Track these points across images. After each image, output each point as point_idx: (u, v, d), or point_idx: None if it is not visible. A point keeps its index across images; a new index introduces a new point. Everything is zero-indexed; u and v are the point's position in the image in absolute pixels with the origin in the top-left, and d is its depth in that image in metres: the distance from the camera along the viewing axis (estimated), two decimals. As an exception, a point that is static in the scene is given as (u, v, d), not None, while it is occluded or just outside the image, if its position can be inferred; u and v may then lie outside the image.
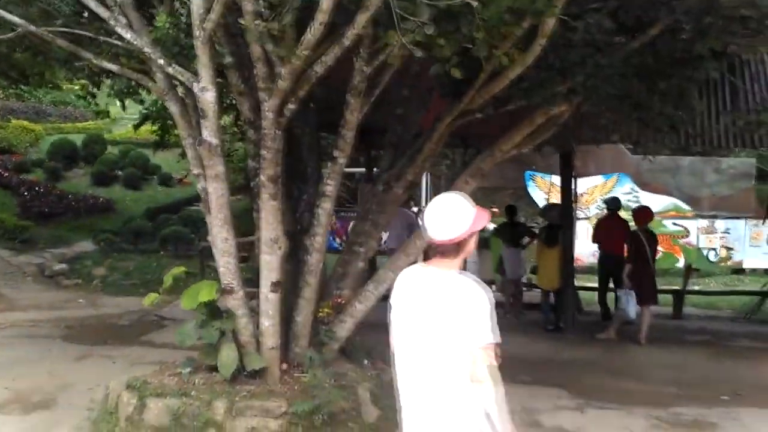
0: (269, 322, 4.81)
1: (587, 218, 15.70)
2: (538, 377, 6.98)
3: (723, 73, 5.29)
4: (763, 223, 10.68)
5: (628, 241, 8.72)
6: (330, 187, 4.99)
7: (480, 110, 5.25)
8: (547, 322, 9.30)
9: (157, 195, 18.76)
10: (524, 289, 10.66)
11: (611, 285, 9.56)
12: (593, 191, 16.21)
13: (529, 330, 9.27)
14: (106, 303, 10.51)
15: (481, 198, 18.82)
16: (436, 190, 16.53)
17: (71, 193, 16.66)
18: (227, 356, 4.76)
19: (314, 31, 3.94)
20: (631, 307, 8.39)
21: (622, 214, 16.08)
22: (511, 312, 10.23)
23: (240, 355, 4.85)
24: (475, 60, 4.35)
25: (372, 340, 7.56)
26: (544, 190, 15.72)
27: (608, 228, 9.61)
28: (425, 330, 2.55)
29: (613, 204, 10.03)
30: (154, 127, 11.14)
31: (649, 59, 4.60)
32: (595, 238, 9.94)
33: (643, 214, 9.05)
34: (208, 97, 4.49)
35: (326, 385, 4.85)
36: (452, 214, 2.54)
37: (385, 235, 11.27)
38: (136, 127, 12.35)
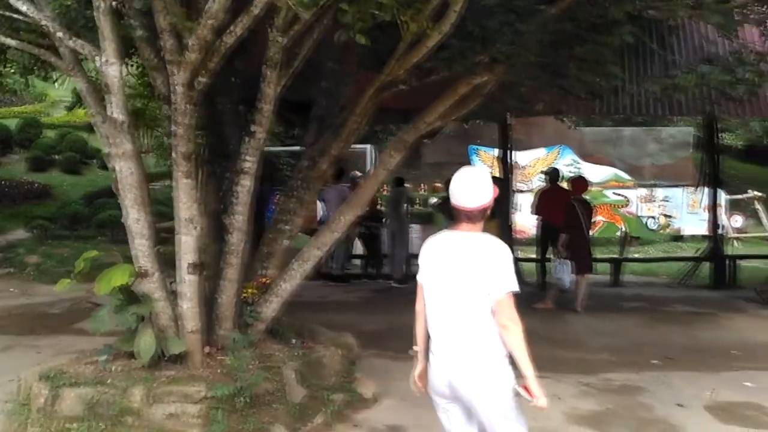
0: (188, 304, 4.66)
1: (530, 190, 15.84)
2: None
3: (641, 39, 5.28)
4: (695, 191, 10.83)
5: (564, 209, 8.78)
6: (249, 163, 4.83)
7: (403, 82, 5.15)
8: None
9: (97, 179, 18.17)
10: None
11: (551, 255, 9.66)
12: (536, 163, 16.34)
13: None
14: (38, 291, 10.14)
15: (429, 173, 18.87)
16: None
17: (5, 179, 16.03)
18: (145, 342, 4.60)
19: (217, -2, 3.76)
20: (567, 276, 8.46)
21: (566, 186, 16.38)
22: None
23: (160, 339, 4.69)
24: (395, 29, 4.24)
25: (302, 318, 7.52)
26: (488, 163, 15.76)
27: (548, 198, 9.67)
28: (462, 281, 3.00)
29: (554, 174, 10.07)
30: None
31: (567, 25, 4.55)
32: (536, 209, 9.99)
33: (578, 183, 9.11)
34: (111, 71, 4.28)
35: (250, 366, 4.75)
36: (480, 185, 3.02)
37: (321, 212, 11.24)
38: (69, 108, 11.94)
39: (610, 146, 18.73)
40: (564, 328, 7.91)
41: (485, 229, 8.88)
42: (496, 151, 16.83)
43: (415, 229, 12.63)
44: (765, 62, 6.15)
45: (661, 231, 15.95)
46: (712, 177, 10.41)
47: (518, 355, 2.99)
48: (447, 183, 10.14)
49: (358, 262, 12.40)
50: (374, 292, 10.40)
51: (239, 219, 4.88)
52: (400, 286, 10.73)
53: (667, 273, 11.60)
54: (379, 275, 11.44)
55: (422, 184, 16.67)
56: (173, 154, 4.52)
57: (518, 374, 3.04)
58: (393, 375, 6.04)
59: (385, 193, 12.93)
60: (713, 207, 10.51)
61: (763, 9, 6.09)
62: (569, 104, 6.05)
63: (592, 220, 9.03)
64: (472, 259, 3.00)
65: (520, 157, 16.60)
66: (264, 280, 5.21)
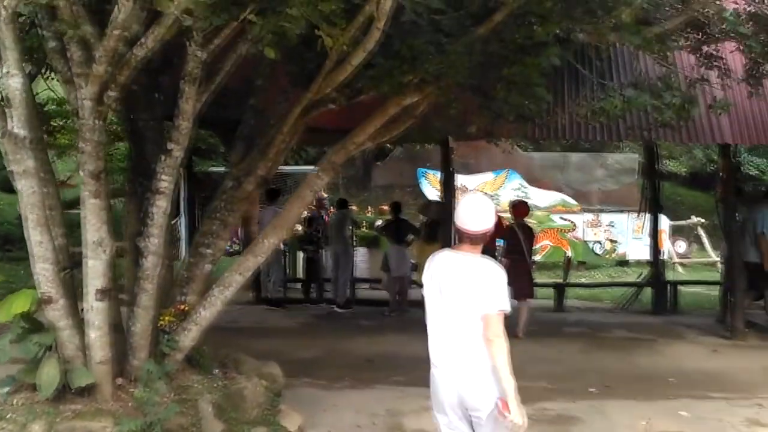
0: (96, 333, 4.34)
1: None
2: (412, 377, 6.77)
3: (571, 62, 5.23)
4: (638, 216, 10.90)
5: (505, 234, 8.66)
6: (165, 183, 4.56)
7: (332, 101, 4.98)
8: (429, 320, 9.14)
9: (35, 198, 17.52)
10: (412, 286, 10.48)
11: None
12: (483, 187, 16.34)
13: (410, 328, 9.05)
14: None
15: (380, 195, 18.71)
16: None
17: (-68, 197, 15.30)
18: (47, 373, 4.26)
19: (122, 7, 3.54)
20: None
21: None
22: (396, 310, 10.05)
23: (66, 371, 4.36)
24: (321, 47, 4.07)
25: (234, 345, 7.19)
26: (436, 186, 15.69)
27: None
28: (462, 298, 3.29)
29: None
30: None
31: (495, 46, 4.45)
32: None
33: (519, 208, 9.04)
34: (12, 83, 4.00)
35: (165, 399, 4.46)
36: (484, 211, 3.33)
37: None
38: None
39: (558, 171, 18.91)
40: (504, 354, 7.75)
41: (425, 252, 8.73)
42: (439, 174, 16.89)
43: (360, 253, 12.45)
44: (694, 88, 6.21)
45: (607, 256, 16.05)
46: (653, 203, 10.47)
47: (501, 369, 3.21)
48: (392, 206, 10.03)
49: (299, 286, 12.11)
50: (315, 317, 10.13)
51: (154, 242, 4.60)
52: (342, 311, 10.50)
53: (612, 298, 11.60)
54: (320, 299, 11.17)
55: (369, 207, 16.48)
56: (81, 173, 4.25)
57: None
58: (322, 405, 5.80)
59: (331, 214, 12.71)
60: (654, 232, 10.57)
61: (698, 36, 6.12)
62: (501, 127, 5.94)
63: (533, 246, 8.93)
64: (472, 279, 3.28)
65: (467, 180, 16.62)
66: (182, 307, 4.93)
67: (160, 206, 4.57)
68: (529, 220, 15.53)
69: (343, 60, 4.44)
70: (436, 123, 5.44)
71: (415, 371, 6.94)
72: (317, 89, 4.68)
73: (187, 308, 4.94)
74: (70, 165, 10.99)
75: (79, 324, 4.46)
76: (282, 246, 10.57)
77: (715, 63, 6.35)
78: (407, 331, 8.84)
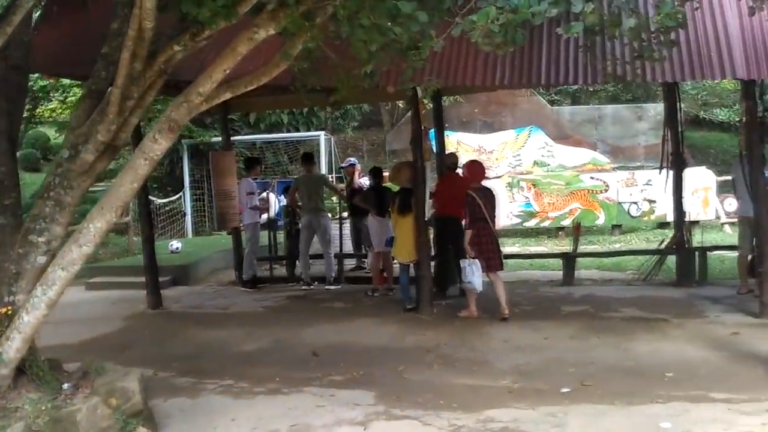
0: None
1: (498, 177, 14.47)
2: (353, 375, 5.76)
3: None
4: (659, 173, 9.39)
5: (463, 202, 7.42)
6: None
7: (177, 42, 3.88)
8: (407, 301, 8.01)
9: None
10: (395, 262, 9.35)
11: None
12: (504, 147, 14.93)
13: (385, 310, 8.01)
14: None
15: (395, 160, 17.45)
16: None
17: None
18: None
19: None
20: (478, 279, 7.16)
21: (539, 170, 14.92)
22: (379, 290, 8.96)
23: None
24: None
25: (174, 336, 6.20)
26: (450, 149, 14.43)
27: (444, 190, 8.21)
28: None
29: (450, 161, 8.74)
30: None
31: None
32: (432, 204, 8.46)
33: (475, 169, 7.72)
34: None
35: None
36: None
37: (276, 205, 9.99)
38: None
39: (591, 126, 17.26)
40: (476, 342, 6.58)
41: (399, 224, 7.55)
42: (459, 134, 15.55)
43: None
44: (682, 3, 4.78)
45: (645, 218, 14.48)
46: (675, 156, 8.95)
47: None
48: (372, 172, 8.86)
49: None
50: (289, 299, 9.14)
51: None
52: (332, 288, 9.50)
53: (638, 266, 10.14)
54: (291, 278, 10.16)
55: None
56: None
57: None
58: (216, 420, 4.80)
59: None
60: (676, 191, 9.05)
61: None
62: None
63: (496, 211, 7.66)
64: None
65: (486, 140, 15.28)
66: (5, 310, 3.97)
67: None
68: (526, 178, 14.18)
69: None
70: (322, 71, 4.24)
71: (360, 367, 5.92)
72: (137, 24, 3.56)
73: (10, 311, 3.97)
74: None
75: None
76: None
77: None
78: (380, 315, 7.78)
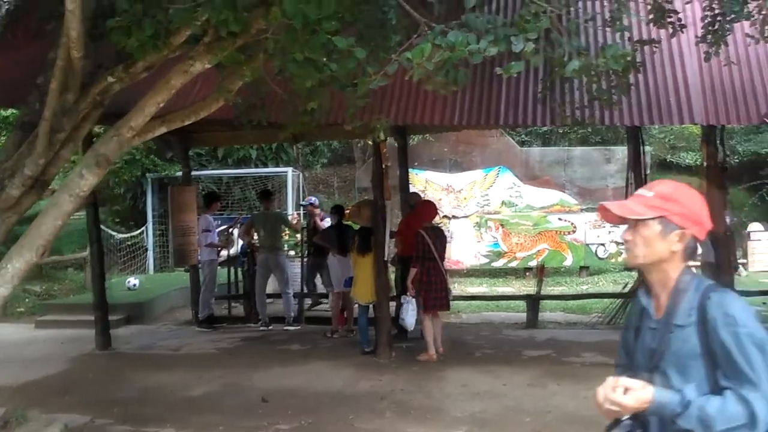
0: None
1: (466, 216, 14.39)
2: (301, 425, 5.48)
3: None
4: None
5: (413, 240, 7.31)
6: None
7: (110, 74, 3.71)
8: (365, 343, 7.78)
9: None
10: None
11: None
12: (472, 186, 14.88)
13: (342, 353, 7.77)
14: None
15: (357, 200, 17.30)
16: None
17: None
18: None
19: None
20: (410, 317, 7.07)
21: (507, 210, 14.84)
22: (340, 331, 8.72)
23: None
24: None
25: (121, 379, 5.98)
26: (418, 187, 14.34)
27: (403, 229, 8.11)
28: None
29: (413, 200, 8.66)
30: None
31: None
32: (396, 243, 8.37)
33: (428, 209, 7.63)
34: None
35: None
36: None
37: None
38: None
39: (560, 167, 17.33)
40: (433, 388, 6.37)
41: (359, 264, 7.36)
42: (427, 173, 15.48)
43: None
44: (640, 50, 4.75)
45: (612, 260, 14.44)
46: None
47: None
48: (334, 210, 8.69)
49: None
50: (244, 340, 8.85)
51: None
52: (292, 329, 9.24)
53: (602, 308, 10.02)
54: (249, 318, 9.87)
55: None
56: None
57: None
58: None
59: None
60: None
61: None
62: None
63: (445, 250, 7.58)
64: None
65: (454, 179, 15.22)
66: None
67: None
68: (494, 218, 14.16)
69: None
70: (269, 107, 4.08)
71: (310, 414, 5.67)
72: (66, 54, 3.38)
73: None
74: None
75: None
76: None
77: (668, 18, 4.88)
78: (336, 358, 7.53)
